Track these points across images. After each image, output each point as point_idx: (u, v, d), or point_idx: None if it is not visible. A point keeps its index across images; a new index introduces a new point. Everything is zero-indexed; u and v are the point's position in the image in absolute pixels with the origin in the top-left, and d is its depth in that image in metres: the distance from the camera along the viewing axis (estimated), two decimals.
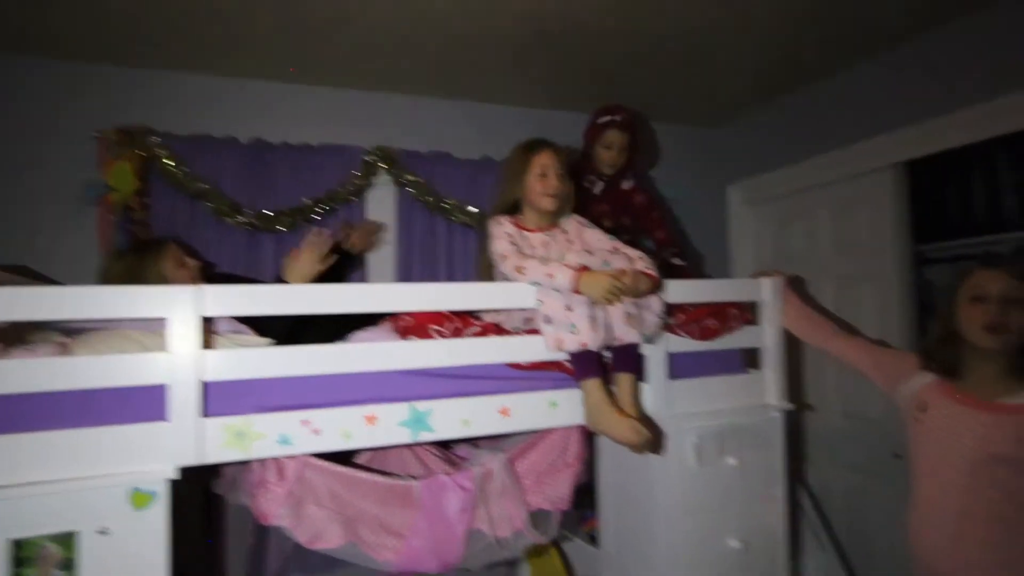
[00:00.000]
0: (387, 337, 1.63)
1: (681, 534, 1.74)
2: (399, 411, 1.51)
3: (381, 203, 2.73)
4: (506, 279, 1.70)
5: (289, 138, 2.59)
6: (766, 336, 1.93)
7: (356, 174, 2.62)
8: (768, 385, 1.92)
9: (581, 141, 2.32)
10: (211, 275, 2.15)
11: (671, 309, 1.78)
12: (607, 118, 2.24)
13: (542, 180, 1.78)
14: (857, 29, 2.36)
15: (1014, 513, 1.49)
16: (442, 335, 1.61)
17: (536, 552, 2.47)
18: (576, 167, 2.22)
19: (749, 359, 1.98)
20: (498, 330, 1.71)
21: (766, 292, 1.94)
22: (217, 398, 1.39)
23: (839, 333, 1.95)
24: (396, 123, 2.80)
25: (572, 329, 1.55)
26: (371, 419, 1.48)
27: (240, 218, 2.42)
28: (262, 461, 1.52)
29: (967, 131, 2.28)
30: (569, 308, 1.56)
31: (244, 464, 1.59)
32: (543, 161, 1.80)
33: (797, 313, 1.98)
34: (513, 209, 1.89)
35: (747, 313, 1.93)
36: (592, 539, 2.23)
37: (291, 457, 1.51)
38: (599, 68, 2.64)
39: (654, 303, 1.68)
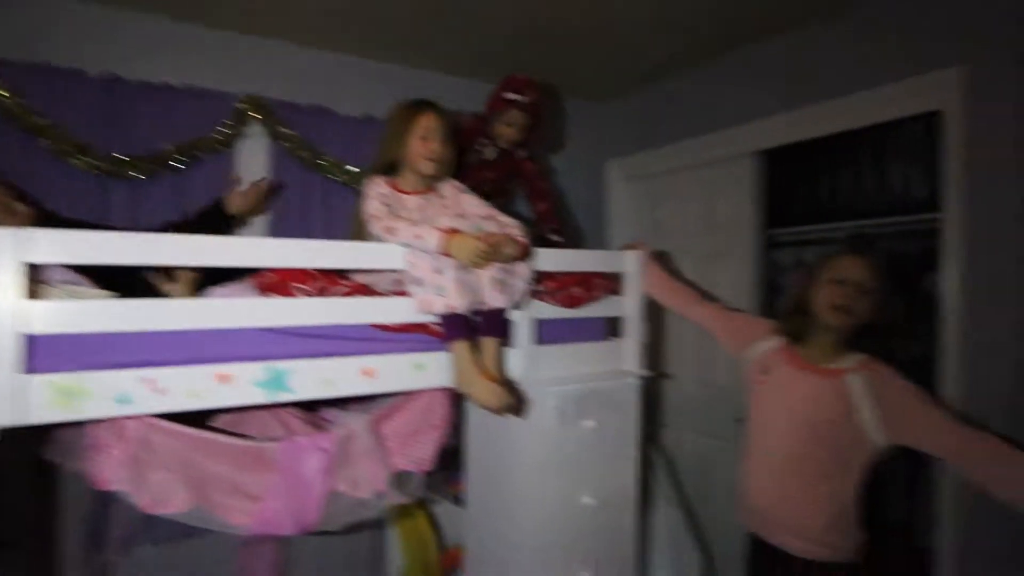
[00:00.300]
0: (246, 293, 1.56)
1: (540, 492, 1.82)
2: (255, 370, 1.45)
3: (253, 156, 2.57)
4: (377, 240, 1.67)
5: (149, 76, 2.37)
6: (628, 306, 2.04)
7: (226, 123, 2.44)
8: (627, 353, 2.04)
9: (484, 106, 2.26)
10: (53, 222, 1.94)
11: (539, 277, 1.83)
12: (514, 96, 2.15)
13: (424, 143, 1.76)
14: (733, 20, 2.50)
15: (836, 469, 1.65)
16: (306, 294, 1.56)
17: (404, 515, 2.50)
18: (469, 129, 2.21)
19: (612, 328, 2.08)
20: (367, 291, 1.68)
21: (630, 264, 2.04)
22: (45, 354, 1.28)
23: (699, 300, 2.10)
24: (273, 72, 2.64)
25: (440, 292, 1.56)
26: (224, 378, 1.41)
27: (87, 159, 2.19)
28: (100, 423, 1.42)
29: (816, 126, 2.50)
30: (438, 271, 1.57)
31: (81, 426, 1.48)
32: (427, 123, 1.77)
33: (659, 281, 2.10)
34: (390, 170, 1.85)
35: (612, 283, 2.02)
36: (458, 500, 2.29)
37: (133, 418, 1.42)
38: (492, 34, 2.62)
39: (523, 270, 1.72)
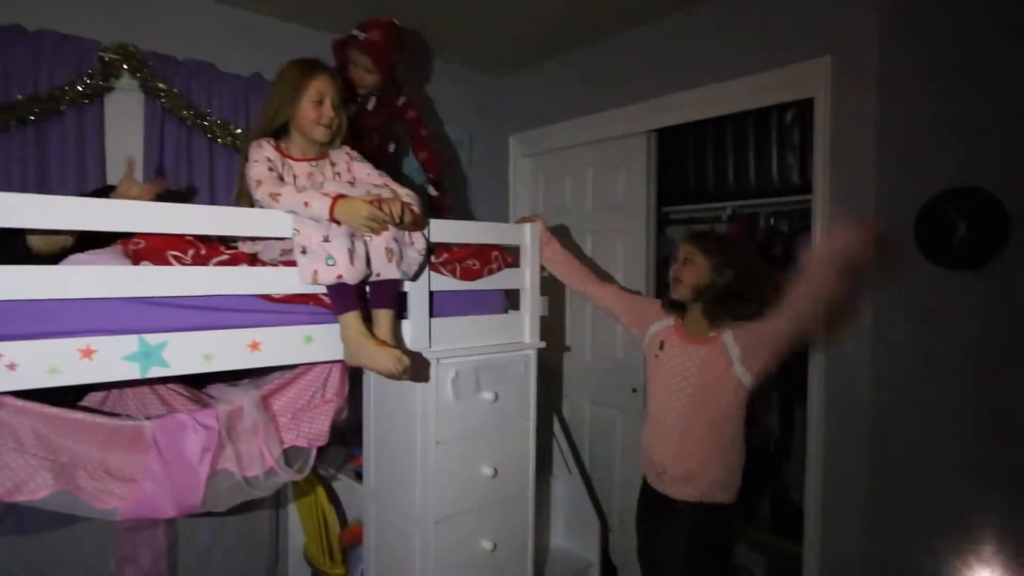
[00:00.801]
0: (114, 261, 1.43)
1: (437, 464, 1.82)
2: (125, 343, 1.35)
3: (125, 111, 2.36)
4: (262, 207, 1.59)
5: None
6: (525, 279, 2.06)
7: (90, 72, 2.21)
8: (525, 325, 2.07)
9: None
10: None
11: (434, 248, 1.81)
12: (355, 33, 2.12)
13: (317, 107, 1.68)
14: None
15: (725, 424, 1.85)
16: (181, 262, 1.46)
17: (302, 492, 2.44)
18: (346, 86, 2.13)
19: (510, 301, 2.10)
20: (251, 260, 1.60)
21: (527, 237, 2.06)
22: None
23: (596, 279, 2.20)
24: (147, 19, 2.41)
25: (329, 261, 1.51)
26: (87, 352, 1.30)
27: None
28: None
29: (703, 108, 2.61)
30: (327, 239, 1.51)
31: None
32: (321, 87, 1.69)
33: (557, 256, 2.16)
34: (278, 133, 1.76)
35: (508, 256, 2.04)
36: (358, 476, 2.26)
37: None
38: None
39: (417, 240, 1.70)
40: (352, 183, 1.63)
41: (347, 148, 1.83)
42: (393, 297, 1.66)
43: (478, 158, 3.43)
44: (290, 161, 1.73)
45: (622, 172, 2.99)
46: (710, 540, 1.87)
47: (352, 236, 1.54)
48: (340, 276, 1.51)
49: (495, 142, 3.49)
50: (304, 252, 1.52)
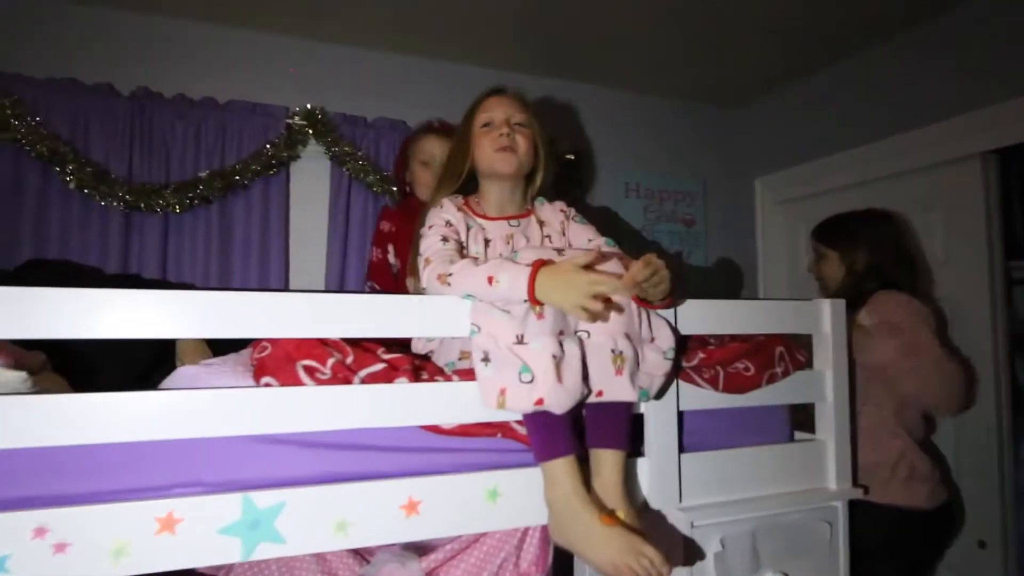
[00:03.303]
0: (233, 375, 1.01)
1: None
2: (223, 507, 0.89)
3: (311, 180, 2.11)
4: (430, 293, 1.09)
5: (186, 89, 1.97)
6: (827, 387, 1.30)
7: (275, 142, 2.00)
8: (828, 461, 1.29)
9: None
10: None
11: (686, 344, 1.16)
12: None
13: (487, 132, 1.25)
14: None
15: None
16: (316, 376, 0.98)
17: None
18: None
19: (799, 420, 1.35)
20: (417, 369, 1.08)
21: (826, 319, 1.31)
22: None
23: None
24: (332, 78, 2.18)
25: (524, 375, 0.93)
26: (168, 523, 0.86)
27: (107, 190, 1.80)
28: None
29: None
30: (520, 340, 0.95)
31: None
32: (488, 107, 1.28)
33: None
34: (465, 189, 1.29)
35: (799, 352, 1.30)
36: None
37: None
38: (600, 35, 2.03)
39: (661, 334, 1.06)
40: (562, 252, 1.05)
41: (563, 204, 1.33)
42: (623, 430, 1.03)
43: (713, 210, 2.72)
44: (481, 220, 1.23)
45: (937, 215, 2.08)
46: None
47: (561, 333, 0.96)
48: (541, 400, 0.92)
49: (735, 188, 2.76)
50: (486, 360, 0.97)
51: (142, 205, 1.81)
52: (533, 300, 0.95)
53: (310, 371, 0.99)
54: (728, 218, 2.75)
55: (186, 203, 1.86)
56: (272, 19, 2.02)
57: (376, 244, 1.76)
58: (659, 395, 1.08)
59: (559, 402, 0.93)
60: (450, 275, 1.03)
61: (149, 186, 1.84)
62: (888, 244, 1.65)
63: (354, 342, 1.07)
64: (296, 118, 2.03)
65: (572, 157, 2.37)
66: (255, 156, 1.95)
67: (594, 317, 0.97)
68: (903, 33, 2.12)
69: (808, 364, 1.32)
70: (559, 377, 0.93)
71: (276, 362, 0.99)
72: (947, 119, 1.98)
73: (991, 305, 1.91)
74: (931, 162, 2.05)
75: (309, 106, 2.04)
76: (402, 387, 1.00)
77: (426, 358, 1.26)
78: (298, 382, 0.97)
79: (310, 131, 2.03)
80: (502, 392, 0.95)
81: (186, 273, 1.91)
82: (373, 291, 1.69)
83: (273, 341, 1.01)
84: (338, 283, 2.06)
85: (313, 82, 2.12)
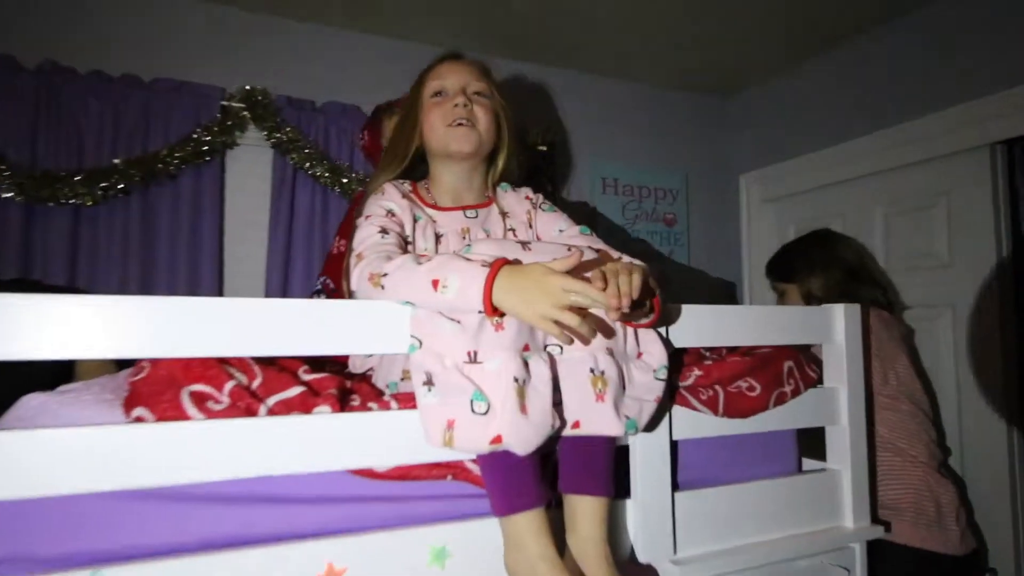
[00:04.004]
0: (89, 408, 0.77)
1: None
2: None
3: (249, 170, 1.88)
4: (361, 298, 0.86)
5: (104, 65, 1.71)
6: (841, 407, 1.11)
7: (207, 126, 1.75)
8: (842, 493, 1.10)
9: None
10: None
11: (679, 359, 0.96)
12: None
13: (439, 104, 1.05)
14: None
15: None
16: (206, 408, 0.76)
17: None
18: None
19: (808, 444, 1.15)
20: (352, 390, 0.86)
21: (839, 325, 1.12)
22: None
23: None
24: (276, 56, 1.94)
25: (477, 402, 0.72)
26: None
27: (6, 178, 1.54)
28: None
29: None
30: (473, 357, 0.74)
31: None
32: (440, 73, 1.07)
33: None
34: (413, 173, 1.08)
35: (810, 367, 1.10)
36: None
37: None
38: (575, 14, 1.82)
39: (652, 349, 0.86)
40: (527, 246, 0.83)
41: (529, 190, 1.14)
42: (606, 470, 0.82)
43: (696, 209, 2.54)
44: (432, 211, 1.02)
45: (939, 212, 1.92)
46: None
47: (526, 348, 0.75)
48: (499, 438, 0.71)
49: (719, 185, 2.58)
50: (429, 384, 0.75)
51: (43, 195, 1.55)
52: (489, 310, 0.74)
53: (199, 399, 0.76)
54: (712, 217, 2.57)
55: (99, 194, 1.61)
56: None
57: (342, 234, 1.53)
58: (650, 426, 0.87)
59: (522, 439, 0.72)
60: (384, 275, 0.81)
61: (52, 174, 1.58)
62: (838, 264, 1.59)
63: (269, 360, 0.85)
64: (233, 100, 1.78)
65: (544, 148, 2.16)
66: (183, 142, 1.71)
67: (567, 335, 0.76)
68: (900, 17, 1.96)
69: (818, 380, 1.12)
70: (522, 406, 0.72)
71: (154, 387, 0.76)
72: (951, 107, 1.82)
73: (1000, 308, 1.75)
74: (934, 155, 1.89)
75: (248, 87, 1.80)
76: (322, 419, 0.78)
77: (364, 378, 1.04)
78: (182, 415, 0.74)
79: (248, 115, 1.78)
80: (449, 426, 0.74)
81: (100, 276, 1.66)
82: (325, 287, 1.47)
83: (155, 360, 0.78)
84: (280, 290, 1.82)
85: (254, 60, 1.88)
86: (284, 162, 1.85)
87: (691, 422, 0.96)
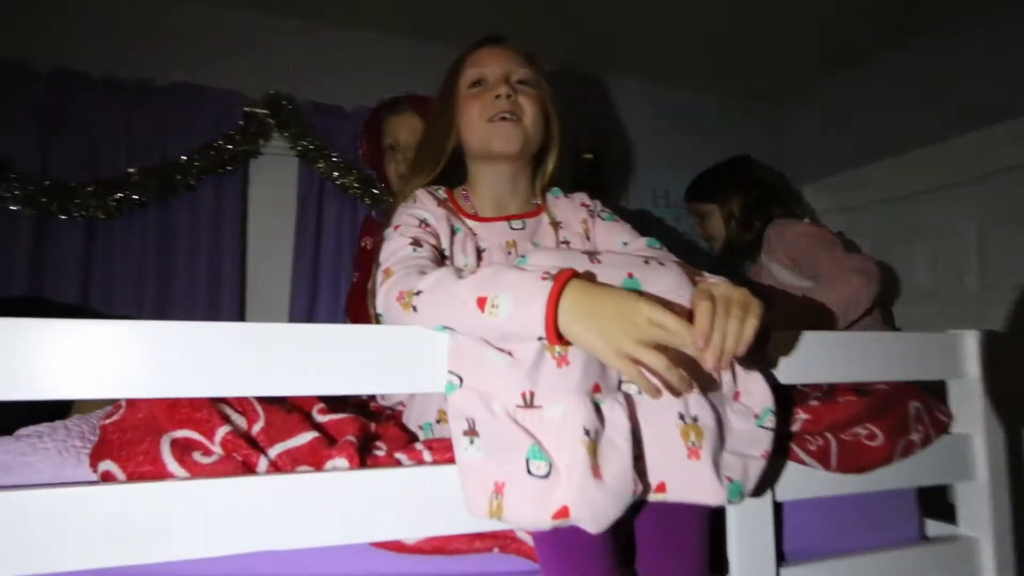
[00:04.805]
0: (50, 458, 0.62)
1: None
2: None
3: (272, 180, 1.75)
4: (390, 323, 0.70)
5: (118, 70, 1.61)
6: (977, 458, 0.89)
7: (229, 134, 1.63)
8: (982, 569, 0.88)
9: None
10: None
11: (784, 400, 0.77)
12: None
13: (479, 95, 0.89)
14: None
15: None
16: (189, 461, 0.60)
17: None
18: None
19: (930, 502, 0.94)
20: (378, 435, 0.70)
21: (973, 358, 0.90)
22: None
23: None
24: (303, 59, 1.82)
25: (536, 461, 0.55)
26: None
27: (15, 190, 1.43)
28: None
29: None
30: (529, 400, 0.57)
31: None
32: (479, 60, 0.92)
33: None
34: (449, 177, 0.95)
35: (940, 410, 0.89)
36: None
37: None
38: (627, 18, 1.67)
39: (754, 388, 0.67)
40: (595, 256, 0.66)
41: (585, 196, 0.98)
42: (700, 547, 0.63)
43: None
44: (472, 222, 0.86)
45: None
46: None
47: (597, 390, 0.58)
48: (565, 510, 0.53)
49: None
50: (471, 435, 0.58)
51: (54, 208, 1.44)
52: (554, 337, 0.56)
53: (184, 450, 0.61)
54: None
55: (112, 207, 1.49)
56: None
57: (356, 267, 1.41)
58: (758, 490, 0.68)
59: (596, 512, 0.54)
60: (417, 293, 0.64)
61: (63, 185, 1.47)
62: (757, 184, 1.66)
63: (273, 400, 0.69)
64: (256, 106, 1.66)
65: (591, 157, 2.00)
66: (203, 151, 1.59)
67: (652, 383, 0.57)
68: (981, 7, 1.74)
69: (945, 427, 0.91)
70: (595, 468, 0.54)
71: (128, 434, 0.61)
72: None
73: None
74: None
75: (272, 91, 1.68)
76: (336, 477, 0.61)
77: (394, 416, 0.87)
78: (160, 471, 0.59)
79: (272, 121, 1.66)
80: (498, 491, 0.56)
81: (115, 295, 1.54)
82: None
83: (132, 400, 0.63)
84: (306, 308, 1.68)
85: (277, 64, 1.76)
86: (310, 171, 1.72)
87: (798, 479, 0.76)
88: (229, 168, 1.64)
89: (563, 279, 0.57)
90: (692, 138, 2.27)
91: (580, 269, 0.62)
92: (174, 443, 0.61)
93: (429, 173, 0.93)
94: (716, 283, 0.62)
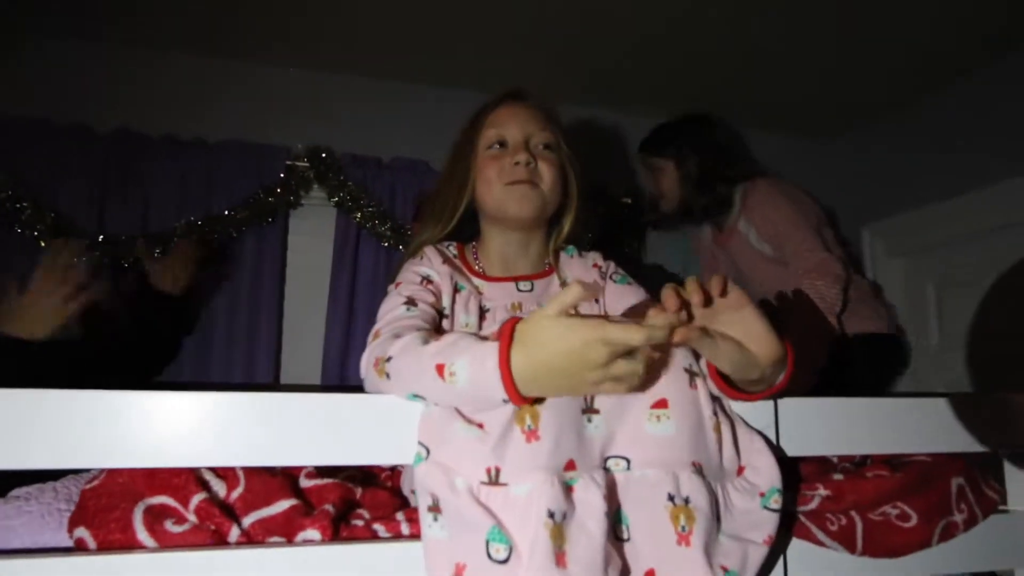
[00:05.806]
0: (33, 524, 0.63)
1: None
2: None
3: (313, 229, 1.80)
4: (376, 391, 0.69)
5: (172, 128, 1.71)
6: None
7: (272, 187, 1.70)
8: None
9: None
10: None
11: (795, 474, 0.70)
12: None
13: (497, 158, 0.87)
14: None
15: None
16: (159, 529, 0.59)
17: None
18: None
19: None
20: (360, 503, 0.68)
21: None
22: None
23: None
24: (341, 113, 1.88)
25: (496, 543, 0.52)
26: None
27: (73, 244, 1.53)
28: None
29: None
30: (494, 477, 0.54)
31: None
32: (500, 119, 0.90)
33: None
34: (461, 234, 0.94)
35: (988, 484, 0.80)
36: None
37: None
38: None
39: (759, 461, 0.62)
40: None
41: (598, 256, 0.95)
42: None
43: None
44: (478, 281, 0.85)
45: None
46: None
47: (571, 467, 0.55)
48: None
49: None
50: (435, 511, 0.55)
51: (105, 260, 1.53)
52: (516, 398, 0.53)
53: (156, 517, 0.60)
54: None
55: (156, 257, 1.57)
56: (270, 48, 1.76)
57: None
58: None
59: None
60: (388, 359, 0.63)
61: (116, 238, 1.56)
62: (716, 146, 1.60)
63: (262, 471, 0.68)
64: (298, 160, 1.73)
65: (629, 201, 1.96)
66: (245, 203, 1.66)
67: (633, 386, 0.53)
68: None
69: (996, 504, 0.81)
70: (559, 556, 0.50)
71: (103, 500, 0.61)
72: None
73: None
74: None
75: (313, 145, 1.74)
76: (303, 551, 0.59)
77: (393, 475, 0.85)
78: (129, 540, 0.58)
79: (312, 173, 1.71)
80: (458, 573, 0.53)
81: None
82: None
83: (118, 473, 0.64)
84: (340, 352, 1.70)
85: (318, 118, 1.83)
86: (348, 221, 1.76)
87: (816, 563, 0.69)
88: (270, 219, 1.70)
89: (508, 331, 0.54)
90: None
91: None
92: (147, 510, 0.61)
93: (443, 229, 0.92)
94: None
